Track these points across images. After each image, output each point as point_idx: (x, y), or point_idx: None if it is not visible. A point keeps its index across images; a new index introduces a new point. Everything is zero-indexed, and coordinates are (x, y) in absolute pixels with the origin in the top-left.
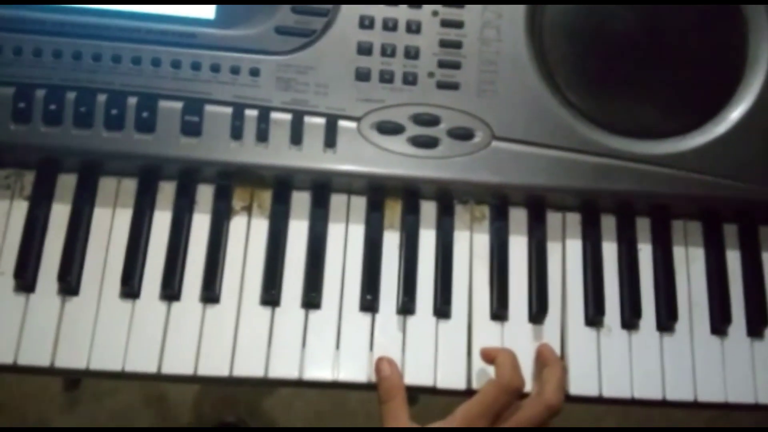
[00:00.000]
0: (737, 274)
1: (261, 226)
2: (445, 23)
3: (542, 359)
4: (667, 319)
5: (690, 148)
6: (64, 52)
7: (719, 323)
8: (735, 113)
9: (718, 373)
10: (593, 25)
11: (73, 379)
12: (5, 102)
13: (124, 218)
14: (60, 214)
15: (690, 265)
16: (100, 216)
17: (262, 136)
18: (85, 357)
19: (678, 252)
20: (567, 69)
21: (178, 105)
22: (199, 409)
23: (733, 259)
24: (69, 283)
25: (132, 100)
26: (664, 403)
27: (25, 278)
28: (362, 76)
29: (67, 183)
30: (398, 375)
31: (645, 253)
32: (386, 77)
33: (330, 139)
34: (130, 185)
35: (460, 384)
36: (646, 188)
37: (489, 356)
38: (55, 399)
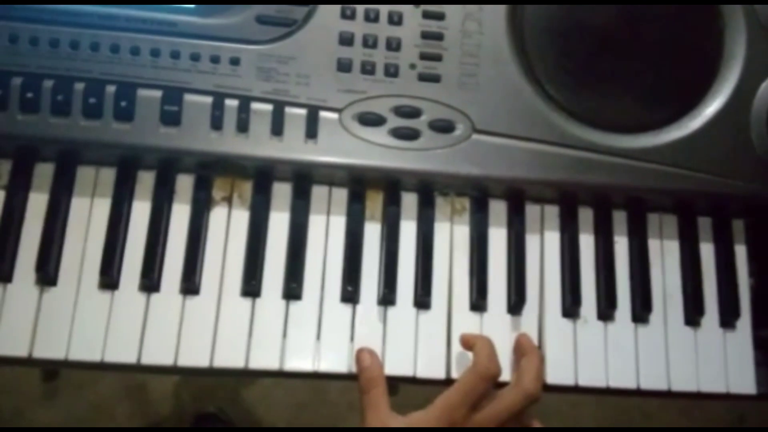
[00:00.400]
0: (711, 267)
1: (241, 217)
2: (427, 15)
3: (521, 349)
4: (641, 310)
5: (666, 142)
6: (41, 39)
7: (693, 314)
8: (710, 108)
9: (691, 363)
10: (573, 19)
11: (52, 370)
12: None
13: (102, 208)
14: (37, 204)
15: (665, 257)
16: (78, 205)
17: (243, 126)
18: (64, 347)
19: (653, 244)
20: (547, 63)
21: (158, 94)
22: (179, 399)
23: (707, 252)
24: (47, 273)
25: (110, 89)
26: (638, 393)
27: (2, 269)
28: (344, 66)
29: (44, 172)
30: (378, 365)
31: (621, 245)
32: (368, 68)
33: (311, 130)
34: (108, 175)
35: (439, 373)
36: (622, 181)
37: (468, 343)
38: (34, 390)
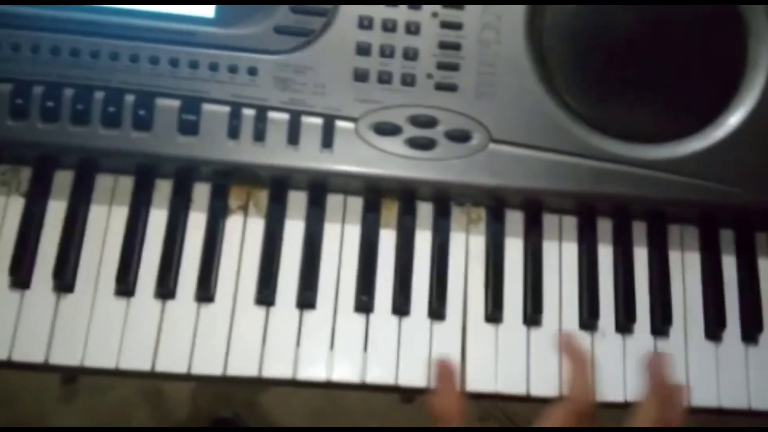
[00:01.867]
0: (733, 280)
1: (257, 226)
2: (445, 24)
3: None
4: (661, 324)
5: (688, 153)
6: (62, 49)
7: (714, 328)
8: (734, 118)
9: (712, 378)
10: (593, 28)
11: (71, 374)
12: (3, 98)
13: (120, 216)
14: (56, 211)
15: (686, 270)
16: (96, 213)
17: (259, 135)
18: (80, 354)
19: (674, 257)
20: (566, 72)
21: (176, 103)
22: (196, 404)
23: (729, 265)
24: (64, 280)
25: (129, 98)
26: None
27: (21, 275)
28: (360, 76)
29: (63, 180)
30: (452, 393)
31: (641, 257)
32: (384, 78)
33: (327, 139)
34: (126, 183)
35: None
36: (643, 193)
37: (566, 359)
38: (53, 393)
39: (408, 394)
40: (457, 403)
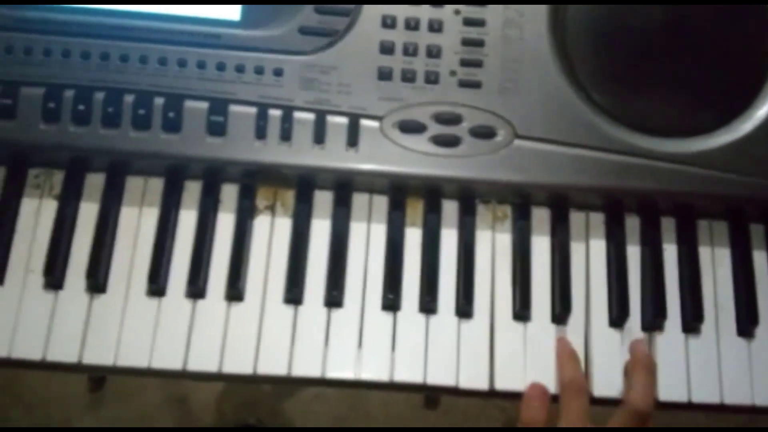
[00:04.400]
0: (764, 275)
1: (284, 225)
2: (468, 22)
3: (631, 359)
4: (692, 321)
5: (716, 146)
6: (92, 53)
7: (746, 325)
8: (762, 110)
9: (745, 376)
10: (617, 21)
11: (98, 380)
12: (35, 102)
13: (150, 217)
14: (88, 213)
15: (716, 265)
16: (127, 215)
17: (286, 135)
18: (112, 354)
19: (704, 252)
20: (590, 66)
21: (204, 105)
22: (220, 411)
23: (760, 260)
24: (97, 280)
25: (158, 101)
26: (689, 406)
27: (54, 276)
28: (384, 75)
29: (95, 182)
30: (543, 411)
31: (670, 253)
32: (408, 76)
33: (352, 138)
34: (156, 184)
35: (482, 384)
36: (671, 187)
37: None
38: (80, 400)
39: (435, 393)
40: (543, 415)
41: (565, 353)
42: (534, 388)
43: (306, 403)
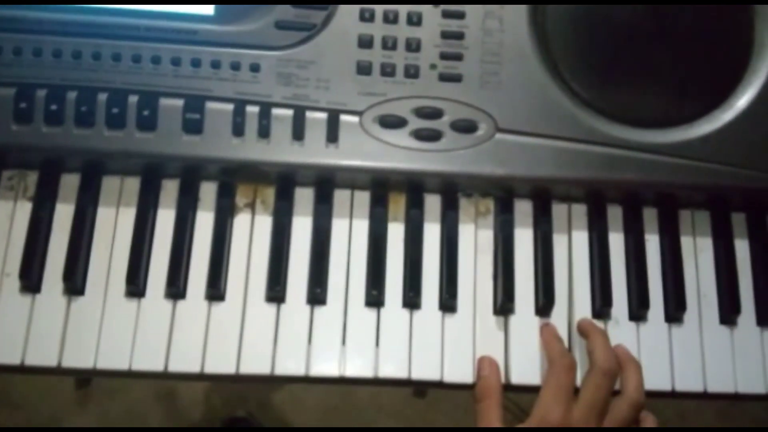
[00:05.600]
0: (746, 264)
1: (265, 223)
2: (447, 14)
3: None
4: (675, 310)
5: (697, 136)
6: (63, 51)
7: (728, 313)
8: (742, 100)
9: (728, 364)
10: (597, 12)
11: (84, 377)
12: (6, 103)
13: (127, 217)
14: (64, 214)
15: (698, 255)
16: (103, 215)
17: (264, 132)
18: (92, 356)
19: (686, 242)
20: (571, 58)
21: (179, 102)
22: (210, 405)
23: (742, 249)
24: (74, 283)
25: (133, 99)
26: (673, 394)
27: (31, 279)
28: (363, 69)
29: (70, 183)
30: (496, 376)
31: (652, 243)
32: (388, 70)
33: (332, 134)
34: (133, 184)
35: (467, 378)
36: (652, 178)
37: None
38: (68, 396)
39: (421, 388)
40: (497, 379)
41: (551, 335)
42: (483, 360)
43: (296, 395)
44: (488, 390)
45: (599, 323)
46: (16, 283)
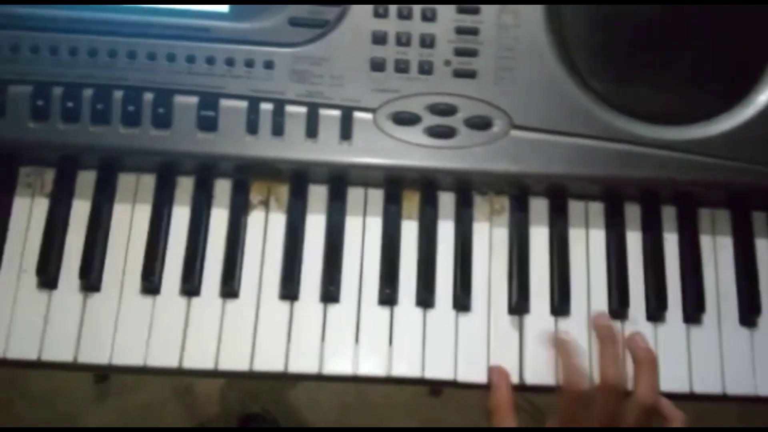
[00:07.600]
0: (766, 264)
1: (279, 220)
2: (462, 10)
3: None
4: (694, 311)
5: (717, 133)
6: (80, 49)
7: (748, 314)
8: (764, 96)
9: (747, 366)
10: (615, 7)
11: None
12: (23, 100)
13: (143, 214)
14: (80, 211)
15: (717, 254)
16: (119, 212)
17: (278, 129)
18: (108, 352)
19: (705, 241)
20: (588, 53)
21: (194, 100)
22: (226, 400)
23: (763, 248)
24: (90, 279)
25: (148, 96)
26: (692, 397)
27: (47, 275)
28: (377, 66)
29: (86, 180)
30: (507, 388)
31: (671, 242)
32: (401, 67)
33: (346, 131)
34: (148, 181)
35: (480, 378)
36: (671, 175)
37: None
38: (86, 391)
39: (434, 387)
40: (508, 391)
41: (565, 349)
42: (494, 371)
43: (311, 392)
44: (498, 403)
45: (616, 323)
46: (33, 279)
